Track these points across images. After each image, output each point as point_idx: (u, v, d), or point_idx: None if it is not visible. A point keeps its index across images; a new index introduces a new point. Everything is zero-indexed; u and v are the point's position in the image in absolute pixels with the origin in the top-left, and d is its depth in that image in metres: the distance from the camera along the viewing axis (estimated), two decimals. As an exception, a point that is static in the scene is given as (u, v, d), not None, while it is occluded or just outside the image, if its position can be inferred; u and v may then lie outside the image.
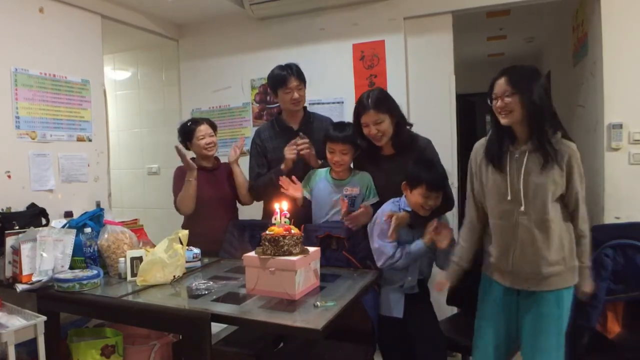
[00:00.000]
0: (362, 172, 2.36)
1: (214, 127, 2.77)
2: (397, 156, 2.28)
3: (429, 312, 2.24)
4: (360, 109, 2.22)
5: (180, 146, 2.62)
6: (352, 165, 2.40)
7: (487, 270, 1.97)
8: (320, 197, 2.38)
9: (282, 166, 2.46)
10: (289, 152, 2.43)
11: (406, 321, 2.16)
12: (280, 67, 2.57)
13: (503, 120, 1.77)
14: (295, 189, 2.36)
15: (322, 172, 2.41)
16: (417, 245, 2.10)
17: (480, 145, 1.95)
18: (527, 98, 1.71)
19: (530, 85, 1.72)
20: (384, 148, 2.30)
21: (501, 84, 1.76)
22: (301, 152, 2.42)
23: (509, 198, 1.79)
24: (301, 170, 2.48)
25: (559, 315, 1.80)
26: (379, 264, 2.13)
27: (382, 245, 2.12)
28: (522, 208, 1.77)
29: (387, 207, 2.19)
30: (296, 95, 2.52)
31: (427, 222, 2.12)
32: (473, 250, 2.00)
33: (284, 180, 2.37)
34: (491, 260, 1.92)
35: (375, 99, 2.18)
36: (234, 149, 2.75)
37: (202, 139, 2.67)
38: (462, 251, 2.01)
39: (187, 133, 2.72)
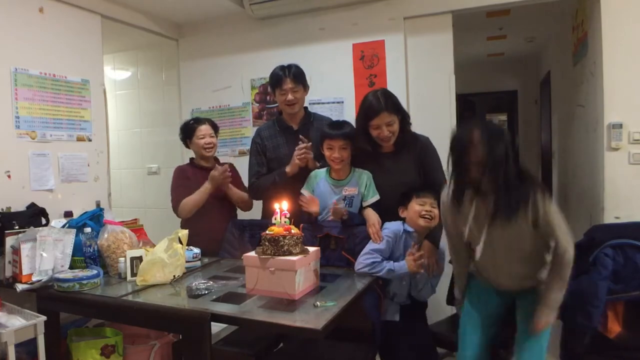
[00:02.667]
0: (362, 170, 2.35)
1: (215, 128, 2.77)
2: (397, 154, 2.29)
3: (420, 322, 2.27)
4: (371, 111, 2.18)
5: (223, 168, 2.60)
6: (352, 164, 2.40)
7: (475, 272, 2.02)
8: (321, 198, 2.37)
9: (287, 169, 2.46)
10: (299, 159, 2.43)
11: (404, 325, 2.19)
12: (280, 67, 2.58)
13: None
14: (314, 205, 2.31)
15: (322, 173, 2.41)
16: (402, 267, 2.07)
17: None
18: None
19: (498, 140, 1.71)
20: (384, 146, 2.30)
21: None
22: (303, 159, 2.43)
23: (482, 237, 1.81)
24: (301, 172, 2.48)
25: None
26: (356, 267, 2.11)
27: (368, 254, 2.12)
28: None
29: (393, 227, 2.19)
30: (290, 97, 2.52)
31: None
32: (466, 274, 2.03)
33: (305, 199, 2.32)
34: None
35: (387, 100, 2.18)
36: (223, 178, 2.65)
37: (201, 138, 2.68)
38: (459, 280, 2.05)
39: (187, 131, 2.73)
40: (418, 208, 2.10)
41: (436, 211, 2.07)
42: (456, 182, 1.80)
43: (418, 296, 2.20)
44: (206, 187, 2.60)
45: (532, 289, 1.82)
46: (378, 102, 2.17)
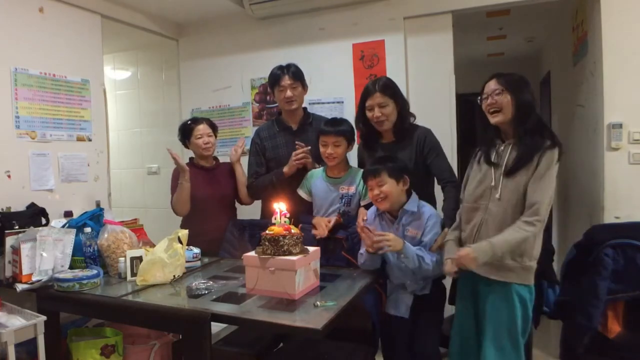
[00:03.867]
0: (360, 169, 2.36)
1: (213, 127, 2.77)
2: (397, 144, 2.30)
3: (433, 312, 2.17)
4: (365, 92, 2.28)
5: (171, 150, 2.59)
6: (353, 164, 2.41)
7: None
8: (318, 197, 2.38)
9: (285, 169, 2.47)
10: (297, 161, 2.44)
11: (413, 322, 2.14)
12: (279, 67, 2.60)
13: (492, 120, 1.87)
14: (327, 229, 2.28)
15: (319, 172, 2.42)
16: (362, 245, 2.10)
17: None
18: (516, 97, 1.82)
19: (519, 86, 1.84)
20: (384, 135, 2.32)
21: (491, 83, 1.87)
22: (300, 163, 2.45)
23: (492, 184, 1.86)
24: (298, 173, 2.49)
25: (509, 311, 1.80)
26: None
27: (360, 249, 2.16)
28: (497, 195, 1.83)
29: (369, 212, 2.24)
30: (289, 93, 2.53)
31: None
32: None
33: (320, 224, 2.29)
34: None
35: (382, 83, 2.25)
36: (235, 148, 2.77)
37: (199, 138, 2.68)
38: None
39: (186, 131, 2.73)
40: (369, 195, 2.14)
41: (385, 188, 2.06)
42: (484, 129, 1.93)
43: (419, 273, 2.08)
44: (180, 178, 2.57)
45: (493, 282, 1.82)
46: (372, 84, 2.26)
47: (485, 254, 1.75)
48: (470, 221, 1.94)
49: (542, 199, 1.75)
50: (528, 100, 1.83)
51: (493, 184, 1.86)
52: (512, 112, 1.83)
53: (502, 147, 1.89)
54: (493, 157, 1.91)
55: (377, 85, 2.24)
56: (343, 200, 2.31)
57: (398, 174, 2.10)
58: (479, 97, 1.92)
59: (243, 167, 2.79)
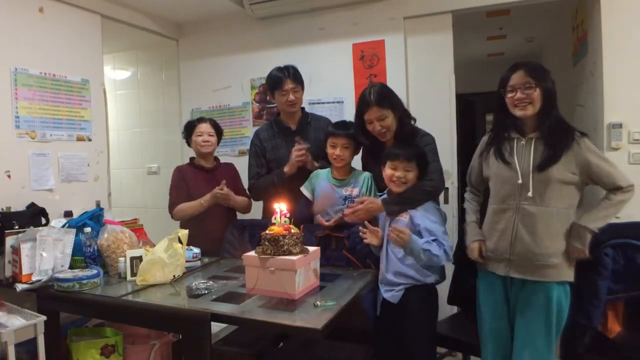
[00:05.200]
0: (363, 171, 2.37)
1: (217, 128, 2.76)
2: None
3: (425, 302, 2.06)
4: (362, 105, 2.21)
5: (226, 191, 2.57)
6: (356, 165, 2.41)
7: (483, 265, 1.97)
8: (322, 197, 2.39)
9: (285, 169, 2.47)
10: (297, 159, 2.44)
11: (402, 314, 2.07)
12: (278, 69, 2.58)
13: (520, 113, 1.80)
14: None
15: (324, 173, 2.42)
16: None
17: (485, 139, 2.02)
18: (543, 89, 1.77)
19: (545, 77, 1.80)
20: (387, 142, 2.30)
21: (520, 76, 1.80)
22: (301, 160, 2.44)
23: (519, 182, 1.80)
24: (299, 172, 2.49)
25: (548, 310, 1.79)
26: None
27: None
28: (530, 193, 1.78)
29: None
30: (291, 97, 2.53)
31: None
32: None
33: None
34: (488, 248, 1.93)
35: (378, 95, 2.17)
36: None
37: (199, 136, 2.68)
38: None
39: (188, 129, 2.74)
40: (389, 172, 2.10)
41: (410, 176, 2.06)
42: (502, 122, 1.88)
43: (419, 260, 2.01)
44: (205, 200, 2.57)
45: (529, 283, 1.81)
46: (369, 97, 2.18)
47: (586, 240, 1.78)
48: (497, 223, 1.88)
49: (617, 170, 1.77)
50: (553, 90, 1.80)
51: (521, 181, 1.80)
52: (540, 105, 1.79)
53: (523, 142, 1.84)
54: (509, 153, 1.85)
55: (372, 97, 2.16)
56: (346, 201, 2.32)
57: (424, 166, 2.11)
58: (502, 89, 1.85)
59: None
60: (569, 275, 1.82)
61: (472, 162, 2.07)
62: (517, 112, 1.81)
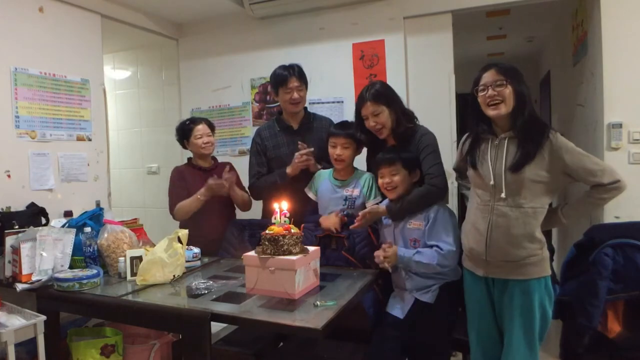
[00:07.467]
0: (365, 172, 2.37)
1: (212, 127, 2.77)
2: (399, 146, 2.28)
3: (437, 319, 2.10)
4: (359, 101, 2.25)
5: (215, 181, 2.55)
6: (362, 166, 2.42)
7: (464, 262, 1.97)
8: (324, 198, 2.39)
9: (288, 170, 2.47)
10: (300, 162, 2.43)
11: (406, 324, 2.09)
12: (283, 67, 2.58)
13: (493, 112, 1.78)
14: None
15: (326, 173, 2.44)
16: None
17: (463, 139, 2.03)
18: (515, 88, 1.76)
19: (517, 76, 1.79)
20: (387, 140, 2.30)
21: (491, 74, 1.79)
22: (303, 164, 2.44)
23: (491, 183, 1.79)
24: (301, 173, 2.49)
25: (529, 308, 1.77)
26: None
27: None
28: (503, 194, 1.77)
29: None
30: (296, 95, 2.53)
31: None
32: None
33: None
34: (466, 247, 1.93)
35: (374, 92, 2.19)
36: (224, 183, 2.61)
37: (199, 138, 2.67)
38: None
39: (184, 132, 2.72)
40: (380, 181, 2.14)
41: (397, 179, 2.08)
42: (476, 122, 1.87)
43: (418, 268, 2.05)
44: (201, 193, 2.56)
45: (510, 282, 1.80)
46: (365, 93, 2.21)
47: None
48: (475, 223, 1.86)
49: (600, 165, 1.75)
50: (526, 90, 1.78)
51: (493, 182, 1.79)
52: (513, 104, 1.76)
53: (496, 142, 1.82)
54: (481, 155, 1.85)
55: (368, 94, 2.18)
56: (347, 202, 2.32)
57: (412, 166, 2.11)
58: (474, 88, 1.84)
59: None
60: (546, 270, 1.79)
61: (455, 162, 2.10)
62: (490, 112, 1.78)
